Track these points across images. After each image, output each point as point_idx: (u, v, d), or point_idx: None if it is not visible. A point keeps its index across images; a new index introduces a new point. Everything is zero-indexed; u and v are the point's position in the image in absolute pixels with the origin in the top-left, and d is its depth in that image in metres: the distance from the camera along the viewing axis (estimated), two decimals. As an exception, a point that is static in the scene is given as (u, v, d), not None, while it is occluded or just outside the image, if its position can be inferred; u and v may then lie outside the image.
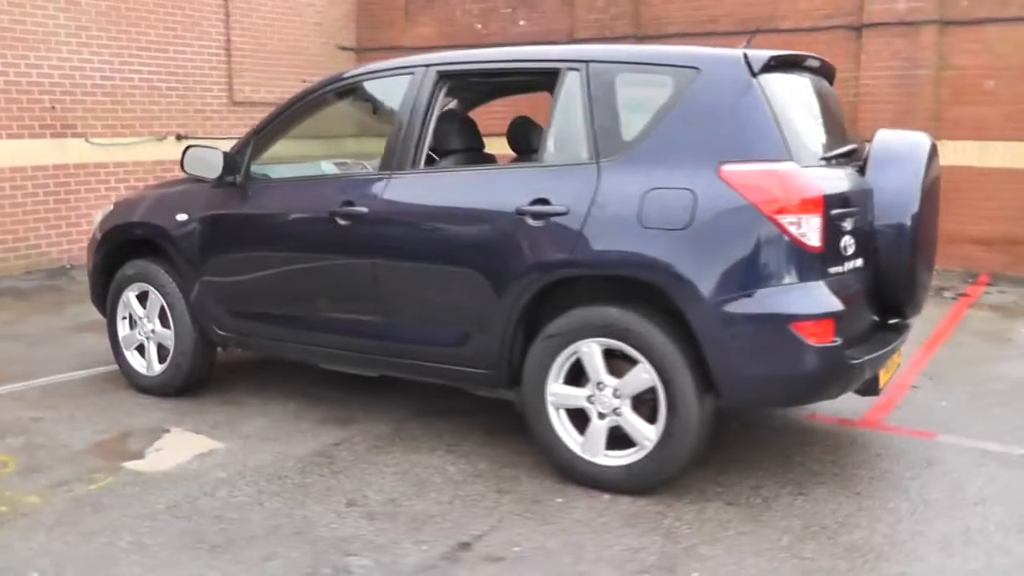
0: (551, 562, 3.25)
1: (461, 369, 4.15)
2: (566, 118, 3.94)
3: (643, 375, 3.67)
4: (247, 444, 4.41)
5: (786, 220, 3.47)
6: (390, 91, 4.56)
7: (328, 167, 5.15)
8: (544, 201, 3.83)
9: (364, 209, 4.26)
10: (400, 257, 4.22)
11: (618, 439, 3.81)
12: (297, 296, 4.61)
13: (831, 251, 3.60)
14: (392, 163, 4.28)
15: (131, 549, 3.35)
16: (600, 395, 3.78)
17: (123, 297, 5.21)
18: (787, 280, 3.51)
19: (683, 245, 3.56)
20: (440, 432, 4.54)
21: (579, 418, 3.88)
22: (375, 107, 5.04)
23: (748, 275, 3.51)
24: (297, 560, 3.26)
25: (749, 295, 3.50)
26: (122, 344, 5.27)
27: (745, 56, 3.70)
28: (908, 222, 3.83)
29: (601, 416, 3.80)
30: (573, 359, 3.83)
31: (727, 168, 3.55)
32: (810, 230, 3.50)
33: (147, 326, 5.15)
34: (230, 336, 4.89)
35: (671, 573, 3.18)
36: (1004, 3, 8.45)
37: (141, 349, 5.23)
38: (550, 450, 3.93)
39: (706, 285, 3.52)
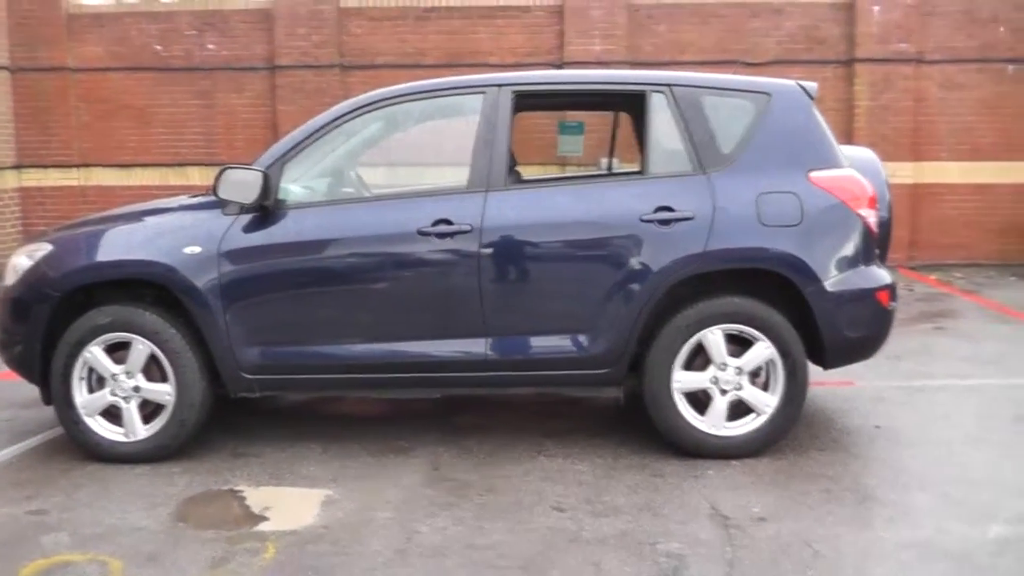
0: (795, 510, 3.76)
1: (578, 373, 4.38)
2: (662, 134, 4.42)
3: (765, 351, 4.31)
4: (348, 487, 4.09)
5: (864, 213, 4.39)
6: (454, 109, 4.56)
7: (297, 190, 4.81)
8: (668, 208, 4.27)
9: (467, 226, 4.26)
10: (518, 271, 4.31)
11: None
12: (367, 323, 4.37)
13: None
14: (484, 180, 4.33)
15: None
16: (723, 375, 4.33)
17: (84, 354, 4.36)
18: (866, 260, 4.42)
19: (799, 239, 4.28)
20: (505, 445, 4.62)
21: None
22: (429, 126, 4.87)
23: (845, 259, 4.34)
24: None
25: (848, 275, 4.34)
26: (81, 411, 4.40)
27: (800, 85, 4.54)
28: (887, 214, 4.97)
29: (723, 393, 4.35)
30: (692, 347, 4.34)
31: (815, 174, 4.36)
32: (872, 221, 4.45)
33: (126, 383, 4.37)
34: (261, 380, 4.40)
35: (884, 502, 3.90)
36: (682, 50, 10.38)
37: (107, 413, 4.43)
38: (676, 432, 4.35)
39: (820, 270, 4.28)
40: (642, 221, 4.27)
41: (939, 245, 10.90)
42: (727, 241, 4.28)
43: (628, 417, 4.92)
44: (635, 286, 4.28)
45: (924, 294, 9.13)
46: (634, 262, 4.27)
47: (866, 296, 4.39)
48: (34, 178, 10.84)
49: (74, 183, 10.88)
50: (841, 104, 10.53)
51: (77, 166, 10.82)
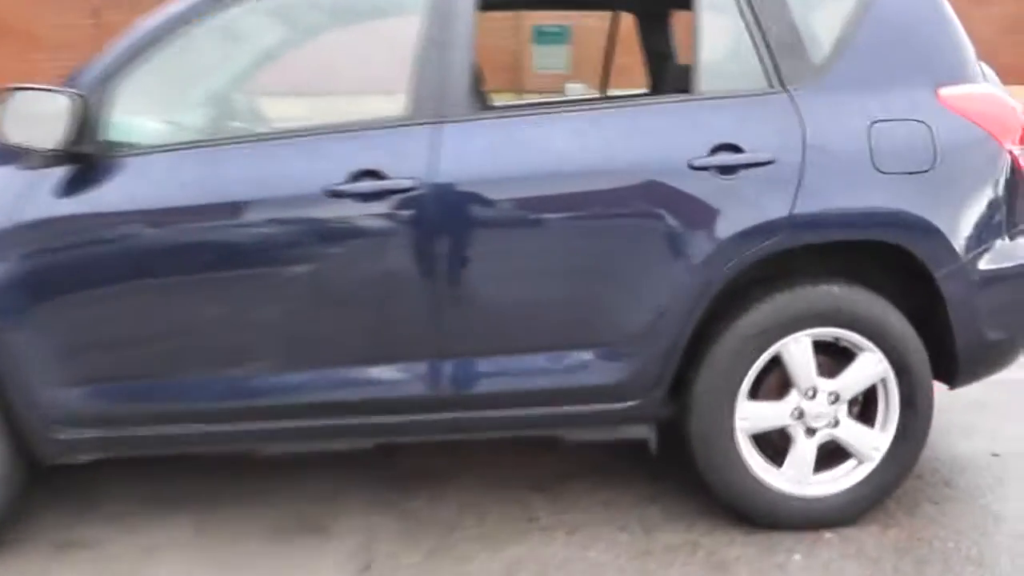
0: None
1: (589, 409, 2.81)
2: (719, 33, 2.81)
3: (875, 367, 2.80)
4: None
5: (1017, 152, 2.87)
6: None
7: (142, 127, 3.06)
8: (732, 148, 2.68)
9: (407, 181, 2.62)
10: (492, 255, 2.70)
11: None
12: (253, 341, 2.73)
13: None
14: (434, 106, 2.68)
15: None
16: (811, 406, 2.82)
17: None
18: (1010, 225, 2.91)
19: (931, 192, 2.75)
20: (474, 508, 3.08)
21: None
22: (350, 29, 3.16)
23: (990, 223, 2.83)
24: None
25: (995, 248, 2.84)
26: None
27: None
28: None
29: (810, 433, 2.84)
30: (764, 364, 2.80)
31: (947, 92, 2.82)
32: (1024, 163, 2.94)
33: None
34: (90, 438, 2.74)
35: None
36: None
37: None
38: (739, 491, 2.84)
39: (959, 241, 2.76)
40: (692, 168, 2.68)
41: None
42: (827, 199, 2.71)
43: (648, 458, 3.36)
44: (680, 273, 2.70)
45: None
46: (679, 234, 2.69)
47: (1017, 279, 2.90)
48: None
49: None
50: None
51: None
